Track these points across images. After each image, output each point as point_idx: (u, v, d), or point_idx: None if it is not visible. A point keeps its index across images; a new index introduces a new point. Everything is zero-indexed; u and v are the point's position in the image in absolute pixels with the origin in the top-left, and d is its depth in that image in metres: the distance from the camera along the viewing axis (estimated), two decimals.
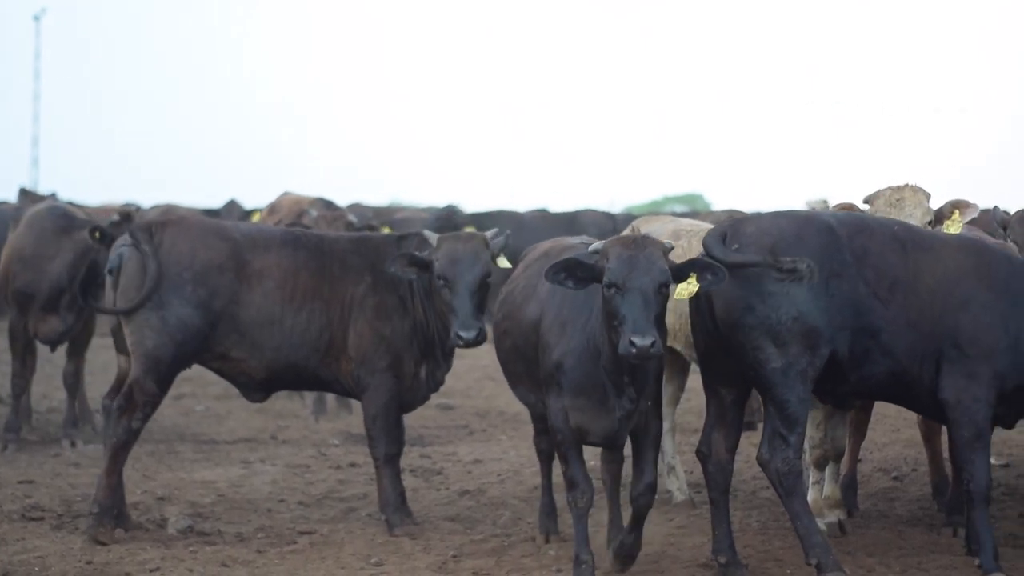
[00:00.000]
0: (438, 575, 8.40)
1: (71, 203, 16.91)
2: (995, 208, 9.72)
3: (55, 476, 11.28)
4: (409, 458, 11.87)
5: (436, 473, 11.55)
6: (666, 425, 9.72)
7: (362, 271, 9.59)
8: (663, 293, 7.49)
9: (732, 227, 7.95)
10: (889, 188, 9.01)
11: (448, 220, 21.83)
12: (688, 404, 12.54)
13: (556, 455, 8.30)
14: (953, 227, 8.93)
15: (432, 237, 9.27)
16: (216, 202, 25.23)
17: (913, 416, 8.76)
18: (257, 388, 9.68)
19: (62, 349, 13.20)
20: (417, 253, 9.26)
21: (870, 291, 7.82)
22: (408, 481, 10.77)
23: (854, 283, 7.81)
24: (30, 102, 55.98)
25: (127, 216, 12.21)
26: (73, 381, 13.10)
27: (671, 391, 10.00)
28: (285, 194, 16.53)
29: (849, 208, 8.96)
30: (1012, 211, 9.67)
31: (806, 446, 9.02)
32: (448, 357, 9.65)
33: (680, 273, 7.61)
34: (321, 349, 9.52)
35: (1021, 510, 9.55)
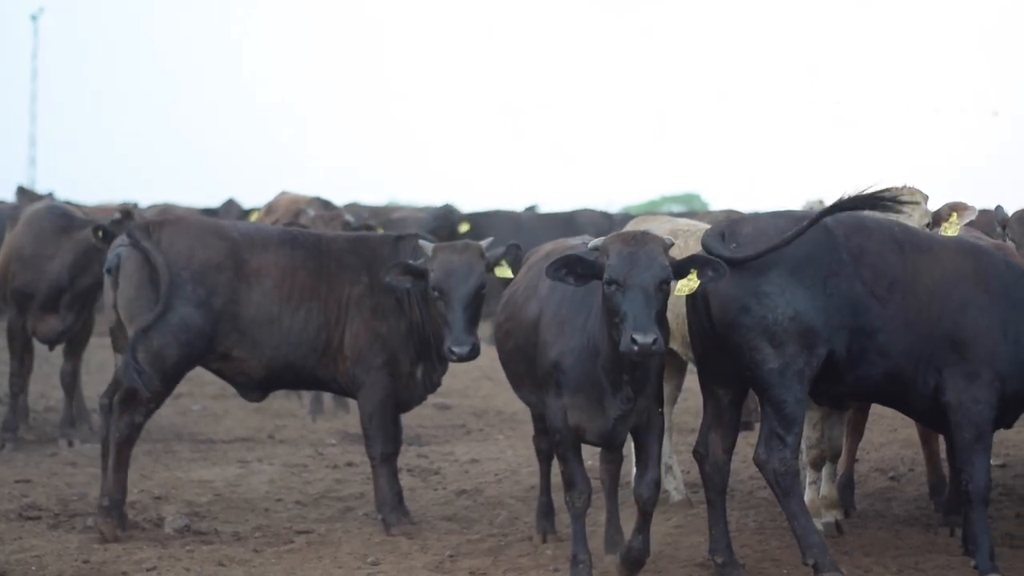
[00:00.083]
0: (435, 574, 8.40)
1: (68, 202, 16.92)
2: (998, 207, 9.73)
3: (52, 475, 11.27)
4: (406, 457, 11.87)
5: (433, 473, 11.55)
6: None
7: (359, 271, 9.60)
8: (664, 290, 7.45)
9: (729, 227, 7.96)
10: (887, 189, 8.99)
11: (445, 219, 21.82)
12: (685, 404, 12.53)
13: (555, 455, 8.28)
14: (951, 229, 8.93)
15: (428, 247, 9.25)
16: (215, 202, 25.22)
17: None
18: (255, 388, 9.69)
19: (59, 348, 13.20)
20: (412, 262, 9.25)
21: (868, 290, 7.82)
22: (405, 481, 10.77)
23: (851, 282, 7.81)
24: (27, 101, 55.97)
25: (128, 214, 12.24)
26: (71, 381, 13.10)
27: (668, 391, 9.99)
28: (282, 194, 16.54)
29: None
30: (1012, 211, 9.67)
31: (803, 446, 9.02)
32: (444, 358, 9.64)
33: (681, 269, 7.58)
34: (319, 348, 9.53)
35: (1018, 510, 9.56)
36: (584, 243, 8.46)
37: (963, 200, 9.06)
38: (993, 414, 7.91)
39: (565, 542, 8.79)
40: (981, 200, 9.02)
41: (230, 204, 24.76)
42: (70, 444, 12.68)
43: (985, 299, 7.90)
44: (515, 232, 22.08)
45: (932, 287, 7.88)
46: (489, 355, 19.05)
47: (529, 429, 13.62)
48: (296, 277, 9.53)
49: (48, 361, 15.76)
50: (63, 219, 12.68)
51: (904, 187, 8.95)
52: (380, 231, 13.09)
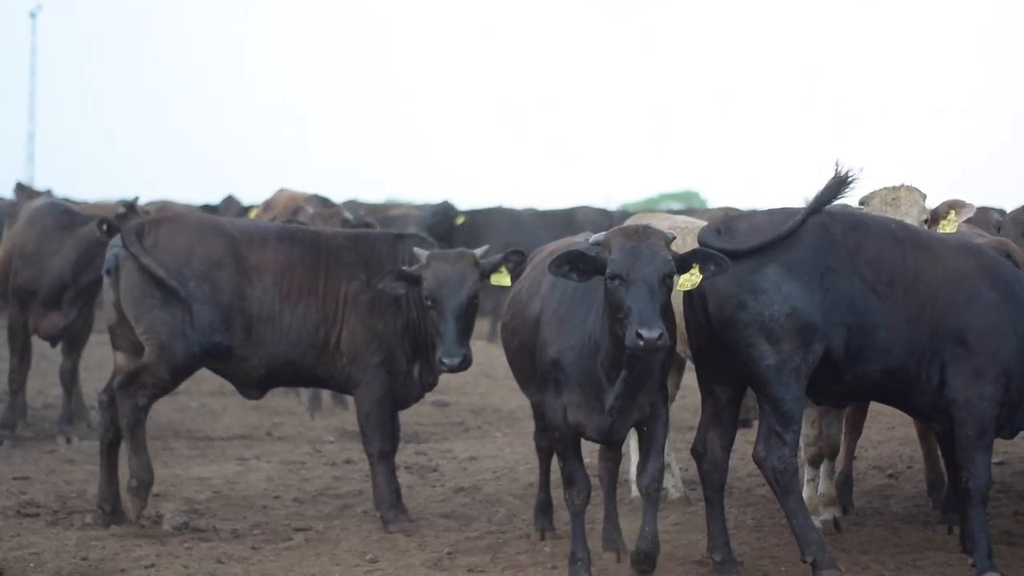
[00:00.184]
0: (433, 572, 8.40)
1: (67, 199, 16.92)
2: (990, 212, 9.75)
3: (50, 472, 11.28)
4: (404, 455, 11.87)
5: (431, 470, 11.55)
6: None
7: (357, 268, 9.60)
8: (667, 284, 7.41)
9: (725, 224, 7.95)
10: (885, 188, 9.01)
11: (444, 216, 21.80)
12: (683, 401, 12.54)
13: (555, 453, 8.27)
14: (949, 226, 8.93)
15: (422, 254, 9.25)
16: (214, 200, 25.20)
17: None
18: (254, 385, 9.70)
19: (58, 346, 13.20)
20: (406, 268, 9.25)
21: (867, 286, 7.81)
22: (403, 478, 10.77)
23: (849, 278, 7.80)
24: (26, 99, 56.01)
25: (131, 208, 12.27)
26: (70, 378, 13.12)
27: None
28: (281, 191, 16.54)
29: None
30: (1009, 211, 9.69)
31: (801, 443, 9.02)
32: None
33: (683, 264, 7.55)
34: (318, 345, 9.53)
35: (1016, 508, 9.56)
36: (587, 241, 8.45)
37: (961, 199, 9.07)
38: (997, 411, 7.91)
39: (563, 539, 8.79)
40: (981, 200, 9.04)
41: (229, 200, 24.73)
42: (68, 441, 12.68)
43: (992, 296, 7.90)
44: (514, 229, 22.08)
45: (935, 284, 7.87)
46: (487, 352, 19.10)
47: (527, 426, 13.65)
48: (295, 274, 9.54)
49: (46, 358, 15.76)
50: (65, 216, 12.72)
51: (902, 185, 8.96)
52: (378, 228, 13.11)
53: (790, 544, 8.38)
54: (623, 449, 8.73)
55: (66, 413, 12.96)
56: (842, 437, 9.43)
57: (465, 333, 9.12)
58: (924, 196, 8.97)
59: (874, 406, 10.07)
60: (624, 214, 23.13)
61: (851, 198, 9.00)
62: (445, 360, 9.03)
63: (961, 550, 8.29)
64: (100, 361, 15.94)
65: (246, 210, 21.88)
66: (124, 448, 10.03)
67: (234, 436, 13.37)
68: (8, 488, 10.53)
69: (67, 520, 9.67)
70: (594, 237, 7.71)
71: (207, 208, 23.59)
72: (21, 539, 9.05)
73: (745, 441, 10.44)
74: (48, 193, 20.86)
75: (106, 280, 9.54)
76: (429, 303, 9.11)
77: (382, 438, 9.51)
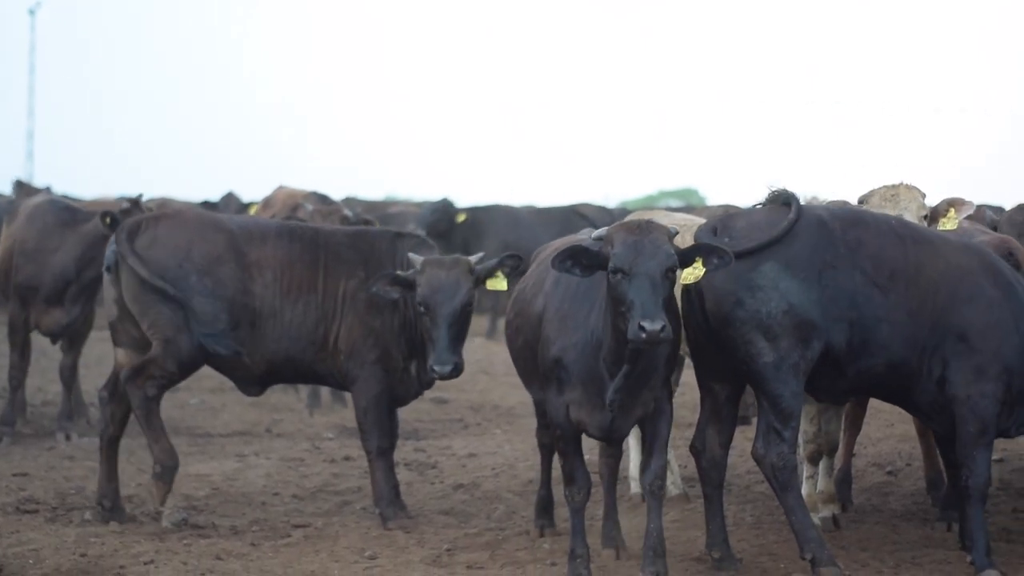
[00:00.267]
0: (432, 568, 8.40)
1: (66, 196, 16.92)
2: (985, 210, 9.75)
3: (49, 469, 11.28)
4: (403, 452, 11.87)
5: (430, 467, 11.55)
6: None
7: (356, 265, 9.60)
8: (670, 277, 7.39)
9: (722, 221, 7.95)
10: (884, 186, 9.01)
11: (444, 213, 21.79)
12: (682, 399, 12.53)
13: (556, 450, 8.25)
14: (949, 224, 8.93)
15: (417, 259, 9.24)
16: (214, 197, 25.19)
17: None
18: (254, 382, 9.71)
19: (58, 342, 13.21)
20: (401, 273, 9.25)
21: (868, 280, 7.81)
22: (402, 475, 10.78)
23: (850, 273, 7.80)
24: (25, 96, 55.99)
25: (136, 204, 12.30)
26: (69, 375, 13.13)
27: None
28: (280, 188, 16.53)
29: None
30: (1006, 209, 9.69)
31: (799, 440, 9.02)
32: None
33: (686, 258, 7.54)
34: (317, 342, 9.54)
35: (1015, 505, 9.56)
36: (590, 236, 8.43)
37: (961, 197, 9.08)
38: (998, 409, 7.91)
39: (562, 536, 8.80)
40: (980, 200, 9.03)
41: (229, 197, 24.74)
42: (68, 438, 12.69)
43: (994, 294, 7.89)
44: (513, 226, 22.08)
45: (936, 277, 7.87)
46: (486, 349, 19.11)
47: (526, 423, 13.66)
48: (294, 270, 9.55)
49: (46, 355, 15.77)
50: (67, 213, 12.75)
51: (901, 184, 8.96)
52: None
53: (789, 541, 8.38)
54: (623, 446, 8.72)
55: (66, 410, 12.97)
56: (841, 434, 9.44)
57: (457, 340, 9.13)
58: (923, 195, 8.97)
59: (873, 403, 10.07)
60: (623, 212, 23.13)
61: (850, 196, 9.01)
62: (436, 368, 9.06)
63: (960, 547, 8.30)
64: (100, 358, 15.95)
65: (246, 207, 21.86)
66: (123, 445, 10.06)
67: (233, 433, 13.37)
68: (7, 484, 10.54)
69: (66, 516, 9.68)
70: (597, 232, 7.70)
71: (207, 205, 23.59)
72: (20, 535, 9.05)
73: (744, 438, 10.45)
74: (47, 190, 20.87)
75: (106, 277, 9.55)
76: (422, 309, 9.13)
77: (380, 435, 9.51)
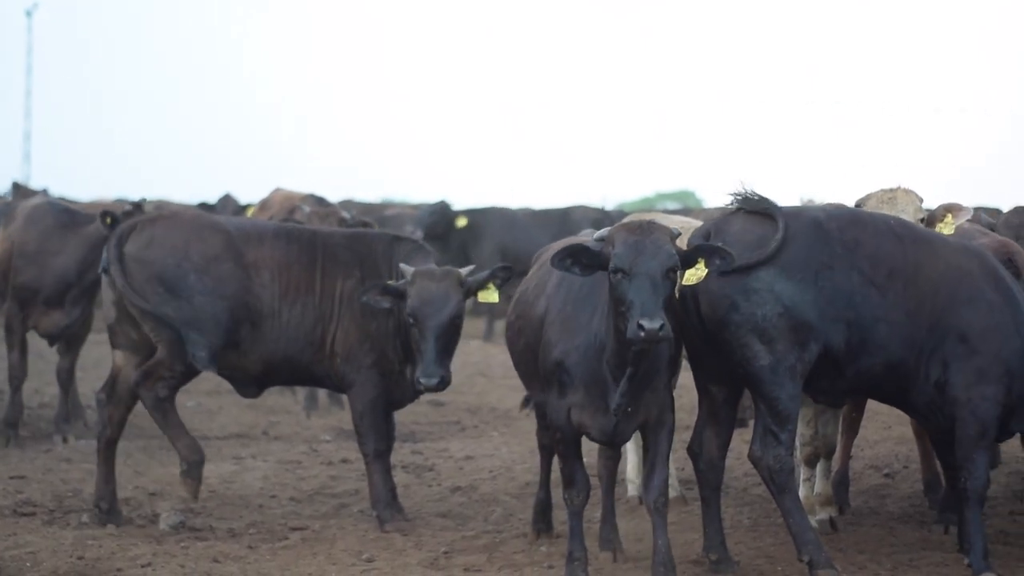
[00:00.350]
0: (429, 571, 8.40)
1: (63, 198, 16.91)
2: (980, 213, 9.76)
3: (47, 472, 11.27)
4: (401, 454, 11.88)
5: (428, 469, 11.55)
6: None
7: (353, 267, 9.61)
8: (671, 278, 7.37)
9: (716, 225, 7.93)
10: (881, 190, 9.02)
11: (442, 216, 21.79)
12: (680, 401, 12.46)
13: (555, 452, 8.22)
14: (946, 229, 8.93)
15: (407, 270, 9.25)
16: (211, 199, 25.17)
17: (905, 413, 8.77)
18: (252, 383, 9.72)
19: (55, 344, 13.21)
20: (392, 283, 9.25)
21: (866, 280, 7.80)
22: (400, 477, 10.78)
23: (847, 273, 7.79)
24: (22, 97, 55.96)
25: (139, 208, 12.30)
26: (67, 377, 13.14)
27: None
28: (277, 190, 16.54)
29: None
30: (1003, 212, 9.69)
31: (797, 443, 9.02)
32: None
33: (688, 258, 7.53)
34: (315, 344, 9.55)
35: (1012, 508, 9.57)
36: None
37: (960, 200, 9.08)
38: (998, 412, 7.90)
39: (560, 539, 8.80)
40: (979, 201, 9.05)
41: (227, 199, 24.73)
42: (65, 440, 12.68)
43: (995, 297, 7.88)
44: (509, 229, 22.08)
45: (935, 278, 7.86)
46: (483, 352, 19.12)
47: (523, 426, 13.66)
48: (292, 271, 9.55)
49: (43, 358, 15.75)
50: (66, 215, 12.76)
51: (898, 188, 8.96)
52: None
53: (786, 544, 8.38)
54: (621, 448, 8.72)
55: (63, 412, 12.97)
56: (839, 437, 9.44)
57: (445, 353, 9.14)
58: (920, 199, 8.97)
59: (870, 406, 10.08)
60: (621, 214, 23.13)
61: (849, 198, 9.01)
62: (422, 380, 9.07)
63: (957, 550, 8.30)
64: (97, 360, 15.94)
65: (243, 209, 21.87)
66: (121, 447, 10.06)
67: (230, 435, 13.36)
68: (5, 487, 10.53)
69: (63, 519, 9.67)
70: (599, 232, 7.67)
71: (204, 207, 23.56)
72: (17, 538, 9.05)
73: (741, 441, 10.44)
74: (44, 192, 20.87)
75: (104, 279, 9.55)
76: (411, 320, 9.14)
77: (377, 438, 9.52)
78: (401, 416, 11.23)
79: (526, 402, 9.82)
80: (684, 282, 7.56)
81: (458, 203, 22.72)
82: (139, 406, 9.72)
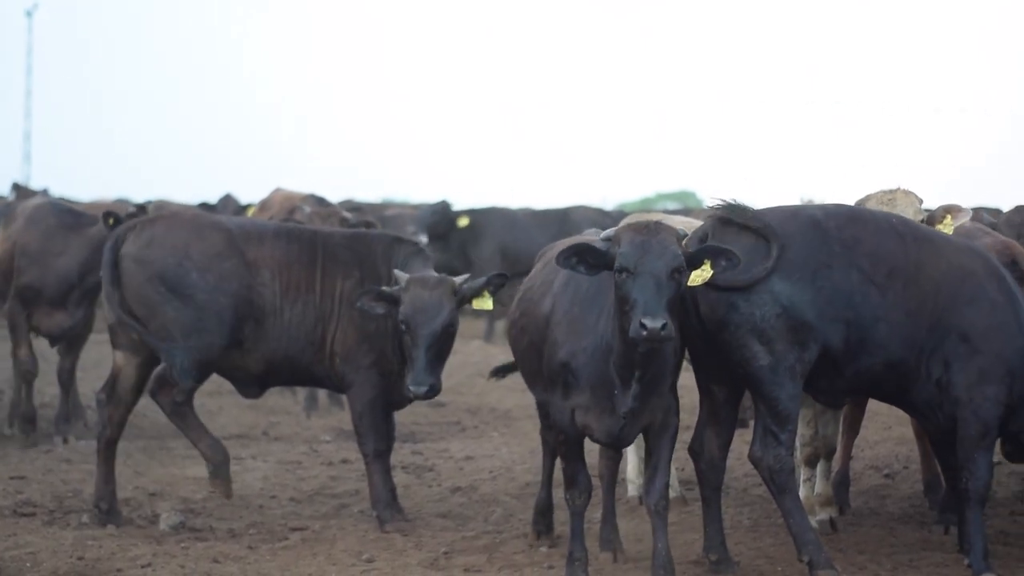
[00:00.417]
0: (430, 571, 8.40)
1: (63, 198, 16.92)
2: (981, 213, 9.75)
3: (47, 472, 11.27)
4: (401, 455, 11.87)
5: (428, 470, 11.55)
6: None
7: (352, 267, 9.61)
8: (676, 278, 7.33)
9: (713, 227, 7.91)
10: (880, 191, 9.00)
11: (443, 216, 21.78)
12: (681, 401, 12.50)
13: (557, 453, 8.19)
14: (946, 230, 8.92)
15: (402, 276, 9.25)
16: (212, 199, 25.18)
17: (905, 413, 8.77)
18: (254, 383, 9.72)
19: (55, 345, 13.22)
20: (386, 288, 9.25)
21: (865, 278, 7.78)
22: (400, 478, 10.77)
23: (846, 272, 7.77)
24: (22, 97, 55.98)
25: (142, 210, 12.32)
26: (68, 377, 13.14)
27: None
28: (277, 190, 16.53)
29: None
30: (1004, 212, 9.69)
31: (797, 443, 9.02)
32: None
33: (694, 260, 7.49)
34: (316, 343, 9.55)
35: (1012, 508, 9.56)
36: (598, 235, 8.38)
37: (959, 201, 9.07)
38: (1000, 412, 7.89)
39: (559, 539, 8.79)
40: (979, 201, 9.05)
41: (227, 199, 24.74)
42: (65, 441, 12.68)
43: (997, 297, 7.87)
44: (510, 229, 22.07)
45: (937, 277, 7.84)
46: (483, 352, 19.10)
47: (523, 426, 13.67)
48: (292, 270, 9.56)
49: (44, 358, 15.71)
50: (70, 216, 12.78)
51: (898, 189, 8.96)
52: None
53: (786, 544, 8.38)
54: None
55: (63, 413, 12.97)
56: (839, 437, 9.44)
57: (436, 361, 9.12)
58: (920, 200, 8.96)
59: (871, 406, 10.08)
60: (620, 214, 23.12)
61: (849, 198, 8.99)
62: (411, 388, 9.07)
63: (958, 550, 8.30)
64: (97, 360, 15.93)
65: (243, 209, 21.88)
66: (121, 448, 10.05)
67: (230, 436, 13.35)
68: (5, 487, 10.53)
69: (63, 519, 9.67)
70: (605, 232, 7.63)
71: (204, 207, 23.57)
72: (18, 538, 9.05)
73: (742, 441, 10.44)
74: (44, 192, 20.87)
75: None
76: (403, 327, 9.13)
77: (376, 438, 9.52)
78: (401, 416, 11.22)
79: (496, 371, 9.76)
80: (689, 283, 7.51)
81: (458, 203, 22.71)
82: (139, 407, 9.72)
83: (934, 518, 9.23)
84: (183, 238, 9.46)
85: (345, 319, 9.51)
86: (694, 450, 8.15)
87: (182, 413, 9.50)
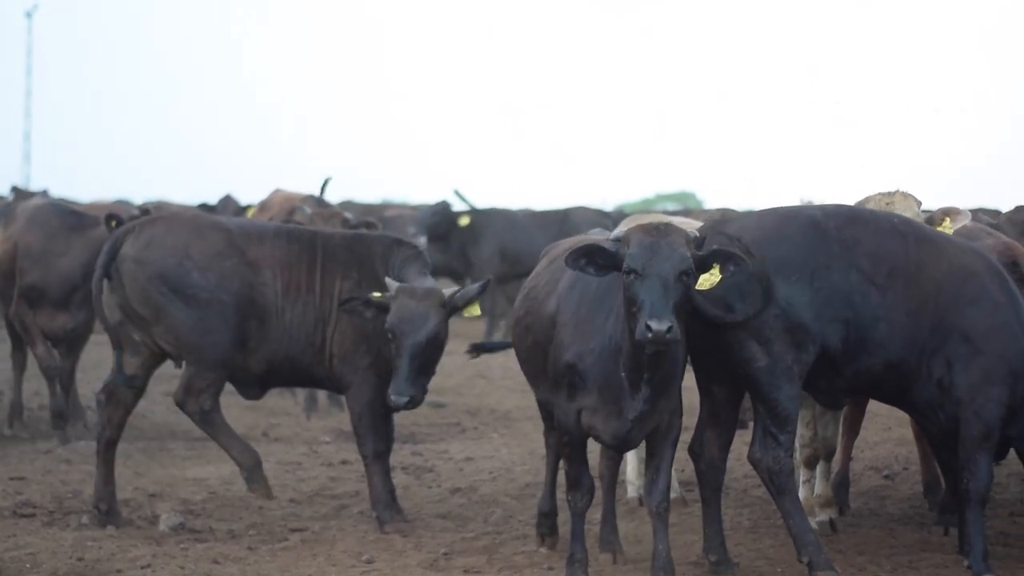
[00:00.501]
0: (429, 572, 8.40)
1: (63, 199, 16.92)
2: (979, 215, 9.75)
3: (46, 473, 11.27)
4: (400, 456, 11.87)
5: (427, 471, 11.55)
6: None
7: (351, 268, 9.61)
8: (684, 281, 7.28)
9: (713, 228, 7.90)
10: (879, 193, 9.00)
11: (444, 216, 21.77)
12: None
13: (560, 454, 8.16)
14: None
15: (392, 284, 9.24)
16: (212, 200, 25.18)
17: (905, 415, 8.77)
18: (254, 384, 9.72)
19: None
20: (375, 296, 9.24)
21: (865, 278, 7.77)
22: (399, 479, 10.77)
23: (845, 272, 7.76)
24: (22, 98, 56.01)
25: (146, 213, 12.32)
26: (67, 378, 13.12)
27: None
28: (276, 191, 16.53)
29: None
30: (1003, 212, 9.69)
31: (796, 444, 9.02)
32: None
33: (703, 263, 7.44)
34: (316, 344, 9.55)
35: (1011, 509, 9.56)
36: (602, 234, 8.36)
37: (959, 201, 9.08)
38: (1002, 413, 7.88)
39: (559, 540, 8.78)
40: (979, 201, 9.05)
41: (227, 200, 24.74)
42: (64, 442, 12.67)
43: (1000, 297, 7.86)
44: (509, 230, 22.06)
45: (938, 277, 7.82)
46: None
47: (523, 427, 13.68)
48: (292, 271, 9.56)
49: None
50: (73, 217, 12.79)
51: (897, 191, 8.95)
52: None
53: (785, 545, 8.38)
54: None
55: (55, 411, 12.95)
56: (839, 438, 9.43)
57: (420, 372, 9.12)
58: (919, 203, 8.95)
59: (870, 407, 10.07)
60: (620, 215, 23.12)
61: (848, 198, 8.99)
62: (392, 397, 9.08)
63: (957, 551, 8.29)
64: (97, 362, 15.93)
65: (243, 210, 21.88)
66: (120, 449, 10.05)
67: None
68: (4, 488, 10.53)
69: (63, 520, 9.67)
70: (615, 232, 7.58)
71: (204, 207, 23.58)
72: (17, 539, 9.05)
73: (741, 442, 10.43)
74: (44, 193, 20.86)
75: (106, 284, 9.55)
76: (390, 336, 9.13)
77: (375, 439, 9.52)
78: (401, 417, 11.22)
79: (474, 347, 9.75)
80: (698, 286, 7.47)
81: (458, 204, 22.69)
82: (139, 408, 9.72)
83: (934, 519, 9.23)
84: (183, 238, 9.46)
85: (343, 320, 9.50)
86: (694, 451, 8.15)
87: (212, 420, 9.49)
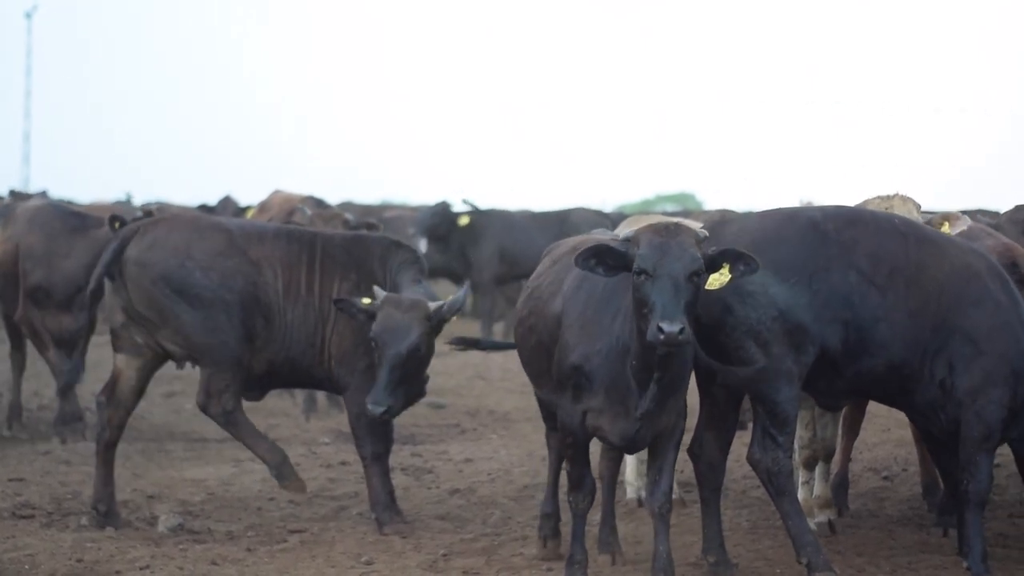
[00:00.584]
0: (428, 573, 8.40)
1: (62, 200, 16.92)
2: (979, 218, 9.75)
3: (45, 474, 11.27)
4: (400, 457, 11.87)
5: (427, 472, 11.54)
6: None
7: (350, 269, 9.61)
8: (695, 281, 7.24)
9: (713, 229, 7.89)
10: (878, 197, 9.00)
11: (443, 217, 21.77)
12: None
13: (563, 455, 8.14)
14: None
15: (380, 293, 9.25)
16: (211, 201, 25.19)
17: (904, 416, 8.77)
18: (255, 385, 9.72)
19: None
20: (363, 303, 9.24)
21: (864, 279, 7.76)
22: (399, 480, 10.77)
23: (844, 274, 7.75)
24: (22, 98, 56.06)
25: (149, 214, 12.34)
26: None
27: None
28: (276, 192, 16.53)
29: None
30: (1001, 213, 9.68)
31: (795, 445, 9.02)
32: None
33: (713, 263, 7.40)
34: (316, 345, 9.56)
35: (1010, 510, 9.56)
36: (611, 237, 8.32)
37: (958, 201, 9.09)
38: (1004, 414, 7.88)
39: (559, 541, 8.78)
40: (979, 201, 9.05)
41: (227, 200, 24.74)
42: (64, 443, 12.68)
43: (1003, 298, 7.85)
44: (509, 231, 22.06)
45: (940, 278, 7.81)
46: (482, 355, 19.06)
47: (522, 429, 13.68)
48: (292, 271, 9.57)
49: (41, 360, 15.74)
50: (75, 218, 12.80)
51: (896, 195, 8.95)
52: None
53: (784, 546, 8.38)
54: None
55: (62, 415, 12.96)
56: (838, 439, 9.43)
57: (400, 383, 9.13)
58: (918, 206, 8.95)
59: (870, 408, 10.07)
60: (620, 216, 23.11)
61: (848, 199, 8.98)
62: (369, 406, 9.09)
63: (956, 553, 8.29)
64: (97, 363, 15.93)
65: (243, 211, 21.88)
66: (120, 450, 10.05)
67: (229, 438, 13.28)
68: (3, 490, 10.52)
69: (62, 521, 9.67)
70: (624, 232, 7.54)
71: (204, 208, 23.58)
72: (16, 540, 9.05)
73: (740, 443, 10.44)
74: (43, 194, 20.87)
75: (108, 285, 9.57)
76: (373, 344, 9.15)
77: (374, 440, 9.52)
78: (400, 419, 11.20)
79: (458, 340, 9.76)
80: (707, 286, 7.43)
81: (458, 205, 22.69)
82: (138, 409, 9.71)
83: (933, 520, 9.23)
84: (184, 239, 9.47)
85: (342, 321, 9.50)
86: (694, 452, 8.15)
87: (235, 421, 9.49)
